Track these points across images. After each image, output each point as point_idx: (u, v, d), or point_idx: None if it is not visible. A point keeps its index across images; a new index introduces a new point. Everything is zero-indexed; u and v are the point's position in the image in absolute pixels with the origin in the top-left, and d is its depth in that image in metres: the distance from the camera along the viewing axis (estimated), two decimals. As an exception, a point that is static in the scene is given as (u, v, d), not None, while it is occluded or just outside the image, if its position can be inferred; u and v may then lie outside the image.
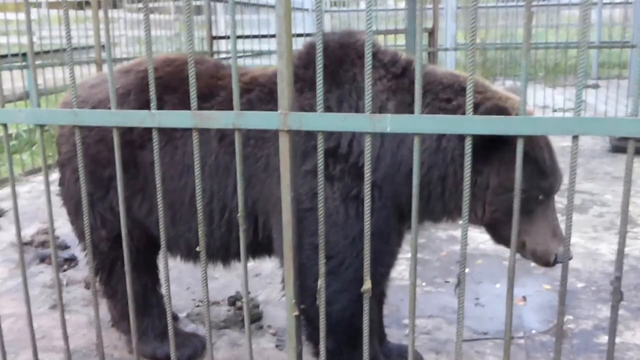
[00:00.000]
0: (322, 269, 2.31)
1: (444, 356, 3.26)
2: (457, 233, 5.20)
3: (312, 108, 2.49)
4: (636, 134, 1.81)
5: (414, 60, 2.65)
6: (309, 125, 2.15)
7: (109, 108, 2.33)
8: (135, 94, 2.85)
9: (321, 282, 2.32)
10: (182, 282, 4.24)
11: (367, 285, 2.27)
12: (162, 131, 2.43)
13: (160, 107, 2.52)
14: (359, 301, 2.55)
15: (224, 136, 2.69)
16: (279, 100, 2.19)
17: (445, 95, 2.56)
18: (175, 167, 2.79)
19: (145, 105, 2.71)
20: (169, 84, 2.83)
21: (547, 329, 3.55)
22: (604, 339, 3.39)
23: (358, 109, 2.52)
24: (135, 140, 2.81)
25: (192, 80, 2.22)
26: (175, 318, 3.67)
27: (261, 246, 2.83)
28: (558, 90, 10.91)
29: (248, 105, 2.64)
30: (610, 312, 1.93)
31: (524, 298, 3.92)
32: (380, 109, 2.53)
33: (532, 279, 4.23)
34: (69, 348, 2.77)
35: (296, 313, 2.38)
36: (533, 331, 3.53)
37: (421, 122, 2.03)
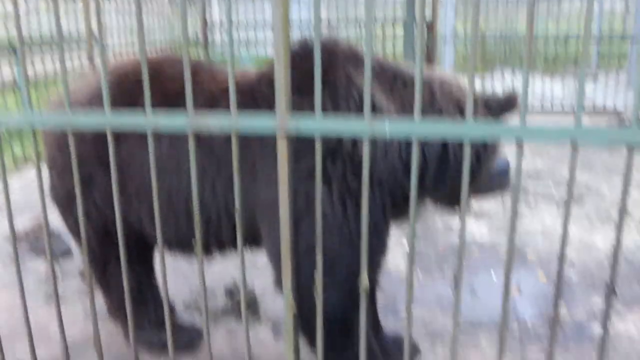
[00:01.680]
0: (319, 265, 2.31)
1: (439, 345, 3.28)
2: (455, 224, 5.22)
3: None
4: (635, 144, 1.82)
5: (400, 64, 2.68)
6: (307, 129, 2.14)
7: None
8: (109, 96, 2.85)
9: (319, 279, 2.33)
10: (179, 272, 4.24)
11: (365, 282, 2.28)
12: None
13: (135, 109, 2.51)
14: (350, 297, 2.57)
15: (199, 139, 2.67)
16: (276, 105, 2.19)
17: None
18: (149, 166, 2.79)
19: (120, 108, 2.69)
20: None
21: (541, 318, 3.57)
22: (597, 328, 3.41)
23: (360, 108, 2.49)
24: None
25: (188, 85, 2.22)
26: (171, 309, 3.68)
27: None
28: (557, 81, 10.93)
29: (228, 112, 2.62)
30: (605, 309, 1.95)
31: (519, 288, 3.94)
32: (383, 111, 2.53)
33: (526, 270, 4.26)
34: (66, 341, 2.78)
35: (294, 311, 2.39)
36: (527, 321, 3.55)
37: (420, 127, 2.04)
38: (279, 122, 2.16)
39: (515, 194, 2.04)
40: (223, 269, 4.26)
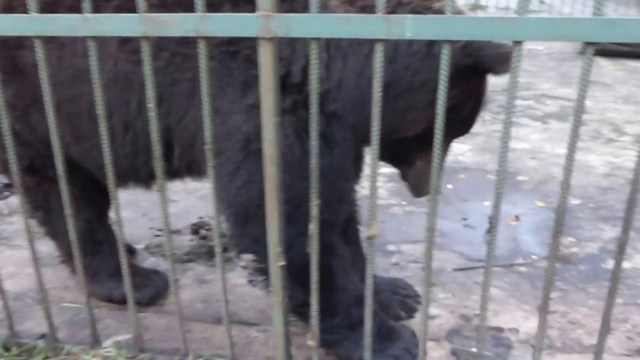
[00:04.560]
0: (314, 212, 1.90)
1: (439, 288, 2.94)
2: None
3: None
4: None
5: None
6: (300, 30, 1.66)
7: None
8: None
9: (313, 228, 1.92)
10: (138, 207, 3.79)
11: (373, 231, 1.89)
12: None
13: (54, 6, 2.00)
14: (321, 243, 2.13)
15: (126, 40, 2.18)
16: (258, 1, 1.68)
17: None
18: (64, 71, 2.27)
19: (45, 6, 2.06)
20: None
21: (547, 253, 3.25)
22: (613, 263, 3.13)
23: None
24: (10, 39, 2.28)
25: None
26: (132, 251, 3.25)
27: (177, 174, 2.45)
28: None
29: (162, 9, 2.06)
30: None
31: (517, 217, 3.62)
32: None
33: (522, 196, 3.93)
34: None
35: (282, 263, 1.99)
36: (534, 257, 3.24)
37: (453, 25, 1.57)
38: (263, 21, 1.66)
39: (510, 104, 1.64)
40: (189, 206, 3.84)
